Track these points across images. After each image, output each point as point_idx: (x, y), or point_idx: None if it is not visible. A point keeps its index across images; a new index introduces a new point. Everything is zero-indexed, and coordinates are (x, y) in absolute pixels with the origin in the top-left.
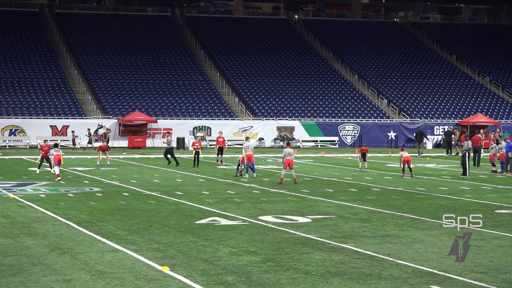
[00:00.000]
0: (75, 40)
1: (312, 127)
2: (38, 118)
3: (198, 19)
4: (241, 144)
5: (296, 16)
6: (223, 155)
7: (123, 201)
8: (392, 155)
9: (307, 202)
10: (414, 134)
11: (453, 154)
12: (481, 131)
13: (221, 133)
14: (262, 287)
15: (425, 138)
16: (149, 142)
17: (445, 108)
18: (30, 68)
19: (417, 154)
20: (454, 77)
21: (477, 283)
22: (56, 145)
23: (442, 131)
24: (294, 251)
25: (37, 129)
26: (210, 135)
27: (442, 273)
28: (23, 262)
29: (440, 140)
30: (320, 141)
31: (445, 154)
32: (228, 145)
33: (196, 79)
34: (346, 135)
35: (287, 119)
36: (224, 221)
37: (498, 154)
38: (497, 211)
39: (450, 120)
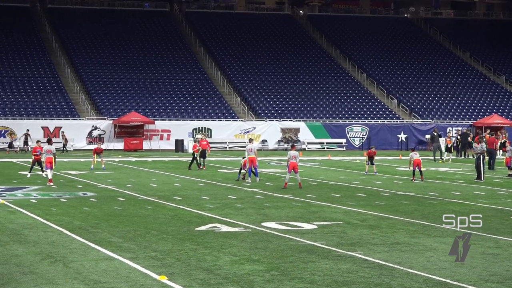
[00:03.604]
0: (68, 36)
1: (318, 128)
2: (29, 119)
3: (198, 14)
4: (243, 147)
5: (301, 11)
6: (205, 158)
7: (118, 207)
8: (403, 158)
9: (313, 207)
10: (430, 136)
11: (470, 157)
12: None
13: (205, 135)
14: None
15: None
16: (146, 144)
17: (459, 109)
18: (21, 66)
19: (438, 158)
20: (468, 75)
21: None
22: (49, 140)
23: (455, 133)
24: (299, 260)
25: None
26: (210, 136)
27: (455, 282)
28: (13, 271)
29: (454, 142)
30: (327, 143)
31: (456, 157)
32: (229, 147)
33: (195, 78)
34: (354, 137)
35: (291, 120)
36: (225, 228)
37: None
38: None
39: (464, 121)
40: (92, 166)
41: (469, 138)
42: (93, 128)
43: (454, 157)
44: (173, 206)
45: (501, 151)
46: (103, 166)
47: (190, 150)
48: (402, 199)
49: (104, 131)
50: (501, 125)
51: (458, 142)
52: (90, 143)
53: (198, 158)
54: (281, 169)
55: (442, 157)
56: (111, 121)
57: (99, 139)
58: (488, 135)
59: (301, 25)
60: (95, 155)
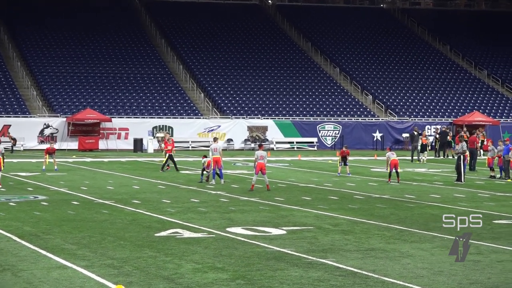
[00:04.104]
0: (18, 28)
1: (288, 126)
2: None
3: (158, 4)
4: (207, 146)
5: (269, 1)
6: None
7: (72, 211)
8: (378, 158)
9: (282, 211)
10: (409, 135)
11: (450, 157)
12: (480, 130)
13: (167, 134)
14: None
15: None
16: (102, 144)
17: (438, 106)
18: None
19: (416, 159)
20: (448, 70)
21: None
22: None
23: (433, 131)
24: (267, 267)
25: None
26: (172, 136)
27: None
28: None
29: (432, 141)
30: (297, 142)
31: (434, 157)
32: (192, 147)
33: (156, 73)
34: (326, 135)
35: (259, 118)
36: (187, 233)
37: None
38: (496, 221)
39: (443, 119)
40: (43, 167)
41: (448, 137)
42: (45, 126)
43: (432, 157)
44: (131, 210)
45: (482, 151)
46: (55, 167)
47: (150, 150)
48: (377, 202)
49: (57, 129)
50: (483, 123)
51: (436, 141)
52: (41, 142)
53: (166, 159)
54: (248, 170)
55: (420, 158)
56: (65, 119)
57: (52, 138)
58: (465, 134)
59: (269, 16)
60: (47, 155)
